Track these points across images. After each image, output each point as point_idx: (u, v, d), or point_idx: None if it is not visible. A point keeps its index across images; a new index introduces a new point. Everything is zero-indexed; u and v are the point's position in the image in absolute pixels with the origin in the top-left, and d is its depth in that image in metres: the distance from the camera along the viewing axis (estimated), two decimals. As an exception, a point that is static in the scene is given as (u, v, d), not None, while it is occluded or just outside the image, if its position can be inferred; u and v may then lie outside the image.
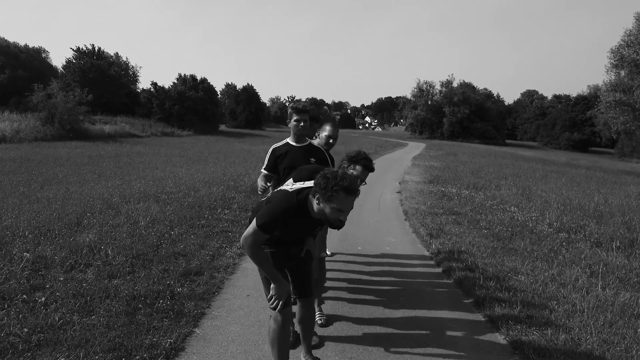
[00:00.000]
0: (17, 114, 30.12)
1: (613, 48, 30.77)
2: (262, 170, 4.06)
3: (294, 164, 3.72)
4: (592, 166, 33.46)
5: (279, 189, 2.88)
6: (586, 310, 4.27)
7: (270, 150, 4.02)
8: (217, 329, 3.69)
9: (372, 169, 3.68)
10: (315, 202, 2.49)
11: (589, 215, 9.07)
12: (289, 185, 2.81)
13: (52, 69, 56.41)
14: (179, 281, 4.54)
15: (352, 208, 2.48)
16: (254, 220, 2.58)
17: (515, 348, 3.59)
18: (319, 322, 3.88)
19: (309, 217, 2.60)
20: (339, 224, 2.82)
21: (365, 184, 4.00)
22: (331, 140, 4.18)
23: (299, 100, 3.42)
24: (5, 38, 55.87)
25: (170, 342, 3.33)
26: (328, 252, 5.99)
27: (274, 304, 2.79)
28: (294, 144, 3.94)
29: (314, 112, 4.18)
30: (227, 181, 11.40)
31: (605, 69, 31.75)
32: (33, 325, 3.34)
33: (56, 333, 3.28)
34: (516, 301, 4.45)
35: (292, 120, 3.86)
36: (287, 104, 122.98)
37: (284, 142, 4.02)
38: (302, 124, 3.83)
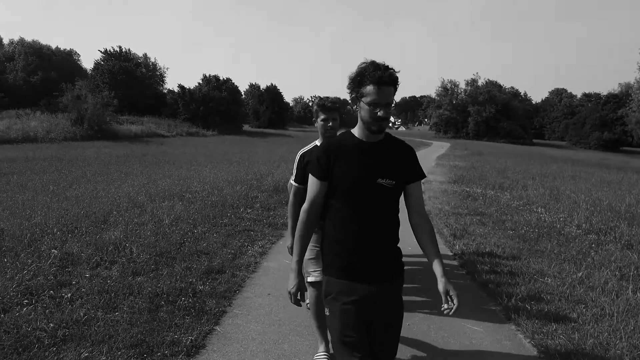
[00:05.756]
0: (48, 115, 31.04)
1: (646, 44, 29.79)
2: (292, 182, 3.42)
3: None
4: (623, 166, 32.47)
5: None
6: (616, 314, 4.13)
7: (298, 157, 3.41)
8: (238, 327, 3.71)
9: None
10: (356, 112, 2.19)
11: (620, 216, 8.79)
12: None
13: (82, 70, 57.96)
14: (201, 279, 4.59)
15: (390, 101, 2.08)
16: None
17: (541, 352, 3.50)
18: None
19: (357, 141, 2.19)
20: (378, 126, 2.11)
21: None
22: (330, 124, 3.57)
23: (326, 97, 3.46)
24: (39, 41, 57.69)
25: (191, 339, 3.36)
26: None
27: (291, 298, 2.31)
28: None
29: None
30: (250, 180, 11.48)
31: (638, 66, 30.87)
32: (59, 320, 3.42)
33: (81, 328, 3.35)
34: (542, 304, 4.34)
35: (319, 119, 3.30)
36: (310, 103, 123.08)
37: (311, 145, 3.44)
38: (330, 123, 3.28)
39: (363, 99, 2.06)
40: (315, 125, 3.36)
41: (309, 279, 3.20)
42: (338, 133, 2.95)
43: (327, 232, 2.23)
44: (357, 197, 2.11)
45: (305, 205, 2.24)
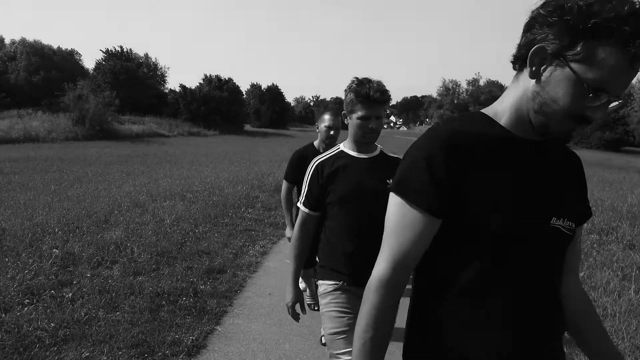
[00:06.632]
0: (50, 115, 31.09)
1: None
2: (301, 206, 2.22)
3: (357, 186, 2.08)
4: (625, 166, 32.41)
5: None
6: (618, 314, 4.12)
7: (312, 169, 2.19)
8: (239, 327, 3.70)
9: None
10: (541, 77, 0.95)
11: (622, 216, 8.77)
12: None
13: (84, 70, 58.03)
14: (202, 279, 4.58)
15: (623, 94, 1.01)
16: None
17: (542, 352, 3.49)
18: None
19: (506, 135, 1.04)
20: (569, 131, 0.98)
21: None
22: (332, 132, 3.27)
23: (368, 80, 1.98)
24: (41, 40, 57.79)
25: (192, 339, 3.35)
26: None
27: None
28: (354, 153, 2.16)
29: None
30: (252, 180, 11.48)
31: None
32: (60, 320, 3.41)
33: (82, 328, 3.34)
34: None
35: (355, 116, 2.08)
36: (311, 103, 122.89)
37: (336, 150, 2.21)
38: (372, 125, 2.07)
39: (575, 65, 0.89)
40: (346, 122, 2.19)
41: None
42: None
43: (435, 318, 1.08)
44: (513, 250, 1.00)
45: (385, 271, 1.03)
